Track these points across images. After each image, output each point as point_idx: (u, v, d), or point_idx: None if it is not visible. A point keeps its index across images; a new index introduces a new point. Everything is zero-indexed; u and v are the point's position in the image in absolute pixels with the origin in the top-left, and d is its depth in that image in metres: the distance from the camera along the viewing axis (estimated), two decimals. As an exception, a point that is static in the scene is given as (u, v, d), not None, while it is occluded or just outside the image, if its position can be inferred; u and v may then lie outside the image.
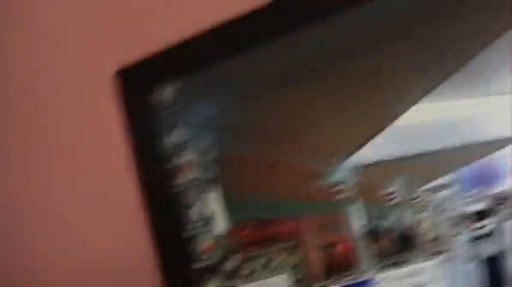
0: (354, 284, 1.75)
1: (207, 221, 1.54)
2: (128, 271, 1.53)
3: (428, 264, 1.72)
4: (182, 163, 1.73)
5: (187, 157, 1.82)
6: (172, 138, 1.71)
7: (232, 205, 2.04)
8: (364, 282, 1.73)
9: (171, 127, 1.73)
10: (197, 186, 1.70)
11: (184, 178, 1.64)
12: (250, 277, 1.47)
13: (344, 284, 1.74)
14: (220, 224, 1.94)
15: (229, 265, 1.55)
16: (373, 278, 1.71)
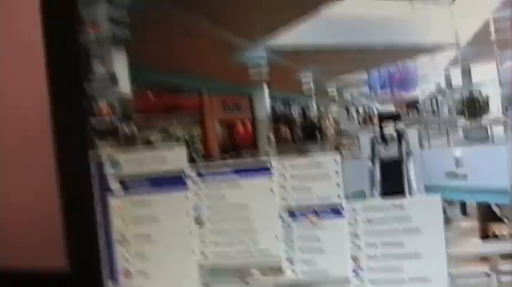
0: (252, 165, 1.72)
1: (111, 80, 1.69)
2: (21, 115, 1.71)
3: (329, 157, 1.71)
4: (95, 16, 1.82)
5: (100, 9, 1.89)
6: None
7: (138, 69, 2.08)
8: (262, 164, 1.70)
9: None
10: (105, 41, 1.77)
11: (95, 31, 1.79)
12: (148, 144, 1.63)
13: (240, 166, 1.69)
14: (124, 86, 2.00)
15: (126, 129, 1.71)
16: (271, 164, 1.70)
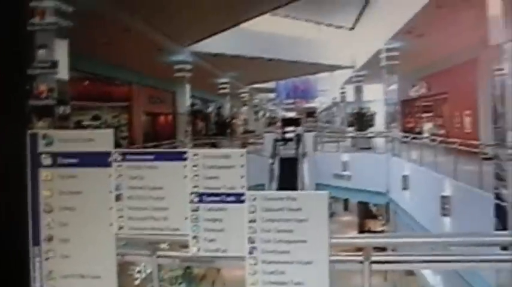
0: (169, 152, 1.71)
1: (52, 65, 1.61)
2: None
3: (237, 152, 1.73)
4: (42, 5, 1.72)
5: (48, 1, 1.96)
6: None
7: (78, 57, 2.10)
8: (179, 153, 1.70)
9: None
10: (51, 30, 1.68)
11: (41, 20, 1.61)
12: (79, 124, 1.48)
13: (160, 153, 1.70)
14: (63, 71, 2.08)
15: (62, 109, 1.59)
16: (186, 153, 1.69)
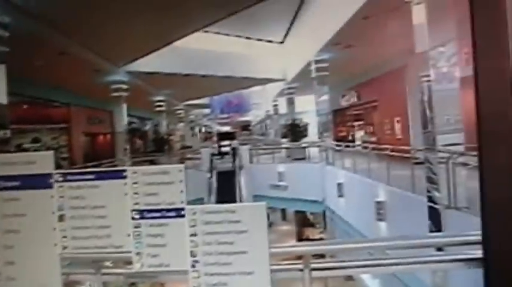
0: (109, 171, 1.69)
1: None
2: None
3: (175, 168, 1.73)
4: None
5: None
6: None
7: (16, 81, 2.03)
8: (118, 171, 1.69)
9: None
10: None
11: None
12: (19, 148, 1.44)
13: (100, 172, 1.68)
14: (1, 96, 2.01)
15: (2, 134, 1.59)
16: (126, 171, 1.68)
